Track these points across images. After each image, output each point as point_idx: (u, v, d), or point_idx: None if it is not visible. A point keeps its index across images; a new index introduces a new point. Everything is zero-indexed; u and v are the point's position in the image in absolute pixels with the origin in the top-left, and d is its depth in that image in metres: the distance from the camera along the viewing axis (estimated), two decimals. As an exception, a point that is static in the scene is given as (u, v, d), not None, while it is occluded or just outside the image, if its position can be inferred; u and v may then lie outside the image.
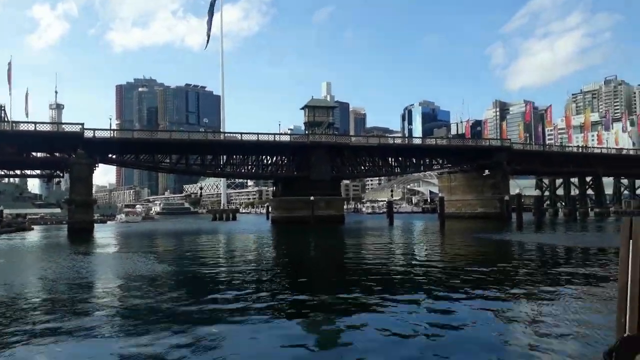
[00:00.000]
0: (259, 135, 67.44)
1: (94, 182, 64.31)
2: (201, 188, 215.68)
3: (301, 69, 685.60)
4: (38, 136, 56.45)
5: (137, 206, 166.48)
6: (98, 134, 60.14)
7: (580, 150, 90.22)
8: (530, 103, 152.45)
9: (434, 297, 14.31)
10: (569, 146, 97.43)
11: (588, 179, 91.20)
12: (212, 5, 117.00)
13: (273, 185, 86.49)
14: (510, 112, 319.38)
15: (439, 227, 53.54)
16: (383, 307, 13.02)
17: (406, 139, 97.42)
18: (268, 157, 72.22)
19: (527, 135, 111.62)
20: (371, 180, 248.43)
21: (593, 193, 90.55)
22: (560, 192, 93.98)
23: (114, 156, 64.52)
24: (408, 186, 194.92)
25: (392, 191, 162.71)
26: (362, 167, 76.71)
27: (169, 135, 69.51)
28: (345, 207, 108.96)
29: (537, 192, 72.86)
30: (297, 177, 69.64)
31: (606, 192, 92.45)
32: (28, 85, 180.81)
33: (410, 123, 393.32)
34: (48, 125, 59.71)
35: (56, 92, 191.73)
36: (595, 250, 27.83)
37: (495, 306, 12.87)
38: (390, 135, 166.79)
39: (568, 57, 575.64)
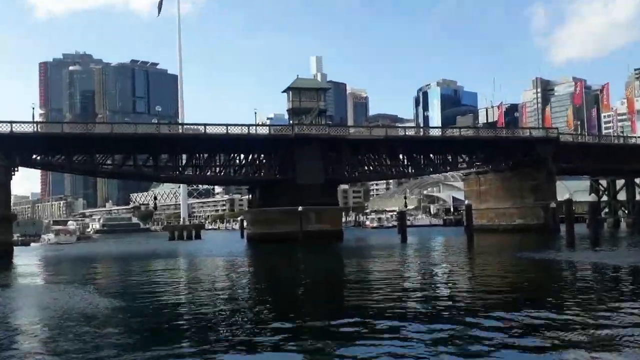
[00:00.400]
0: (229, 127, 67.33)
1: (12, 191, 63.84)
2: (155, 198, 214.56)
3: (284, 39, 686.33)
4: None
5: (70, 222, 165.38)
6: (16, 128, 59.82)
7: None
8: (581, 81, 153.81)
9: (458, 345, 14.31)
10: (632, 137, 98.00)
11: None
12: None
13: (249, 193, 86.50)
14: (555, 94, 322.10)
15: (466, 245, 53.70)
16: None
17: (421, 130, 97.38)
18: (242, 156, 72.09)
19: (578, 122, 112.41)
20: (376, 185, 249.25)
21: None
22: (622, 196, 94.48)
23: (38, 157, 64.14)
24: (424, 191, 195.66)
25: (405, 198, 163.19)
26: (365, 168, 76.76)
27: (110, 128, 69.15)
28: (343, 219, 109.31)
29: (591, 197, 73.03)
30: (279, 181, 69.61)
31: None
32: None
33: (426, 109, 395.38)
34: (-50, 117, 59.26)
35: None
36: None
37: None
38: (401, 126, 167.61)
39: (629, 21, 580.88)
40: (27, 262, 50.90)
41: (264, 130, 73.06)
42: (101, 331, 16.60)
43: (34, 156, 63.46)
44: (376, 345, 13.80)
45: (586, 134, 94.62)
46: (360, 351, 13.28)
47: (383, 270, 34.96)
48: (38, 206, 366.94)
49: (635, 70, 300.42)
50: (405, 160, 78.56)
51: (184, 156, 71.14)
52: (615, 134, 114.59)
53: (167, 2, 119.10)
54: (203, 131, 67.52)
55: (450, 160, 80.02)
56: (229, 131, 67.20)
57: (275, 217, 68.43)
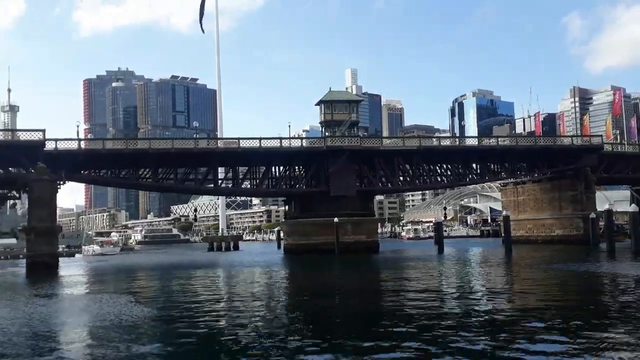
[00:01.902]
0: (262, 141, 67.57)
1: (58, 204, 65.30)
2: (195, 210, 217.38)
3: (319, 53, 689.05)
4: (-12, 147, 57.60)
5: (113, 234, 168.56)
6: (61, 145, 61.25)
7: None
8: (620, 90, 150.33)
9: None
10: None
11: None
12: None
13: (285, 204, 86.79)
14: (594, 103, 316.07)
15: (505, 256, 52.92)
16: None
17: (457, 140, 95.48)
18: (280, 168, 72.41)
19: (617, 132, 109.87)
20: (412, 196, 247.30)
21: None
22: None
23: (82, 172, 65.58)
24: (461, 202, 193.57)
25: (445, 209, 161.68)
26: (400, 179, 76.19)
27: (148, 144, 70.15)
28: (379, 230, 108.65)
29: (633, 208, 71.28)
30: (314, 193, 69.65)
31: None
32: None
33: (461, 119, 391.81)
34: (0, 133, 60.98)
35: (9, 90, 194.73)
36: None
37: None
38: (435, 136, 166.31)
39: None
40: (72, 272, 51.96)
41: (297, 143, 73.07)
42: (138, 340, 16.84)
43: (79, 171, 64.76)
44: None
45: (626, 143, 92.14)
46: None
47: (420, 284, 34.62)
48: (82, 218, 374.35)
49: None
50: (441, 171, 77.62)
51: (223, 169, 71.78)
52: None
53: (207, 18, 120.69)
54: (237, 145, 68.08)
55: (488, 170, 78.50)
56: (262, 144, 67.37)
57: (311, 228, 68.41)
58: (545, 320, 19.04)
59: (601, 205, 71.84)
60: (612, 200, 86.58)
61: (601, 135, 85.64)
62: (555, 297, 25.58)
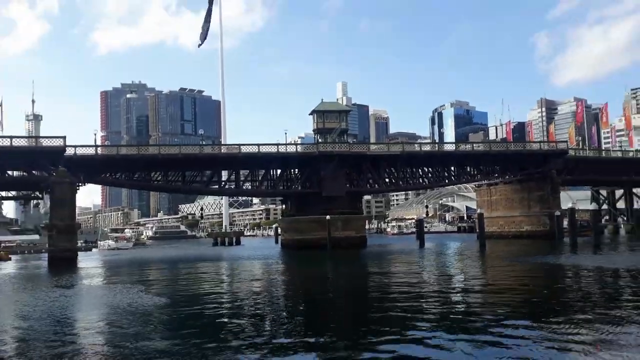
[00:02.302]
0: (260, 147, 67.72)
1: (77, 204, 65.12)
2: (202, 208, 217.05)
3: (313, 68, 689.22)
4: (14, 152, 57.42)
5: (127, 230, 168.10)
6: (79, 150, 61.37)
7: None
8: (582, 101, 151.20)
9: (475, 342, 14.14)
10: (630, 150, 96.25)
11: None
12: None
13: (282, 203, 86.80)
14: (559, 113, 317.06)
15: (479, 250, 53.10)
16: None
17: (436, 145, 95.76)
18: (279, 171, 72.48)
19: (579, 138, 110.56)
20: (396, 195, 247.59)
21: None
22: (621, 205, 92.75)
23: (101, 175, 65.61)
24: (440, 201, 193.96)
25: (427, 207, 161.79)
26: (386, 180, 76.36)
27: (158, 150, 70.09)
28: (367, 227, 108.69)
29: (593, 206, 71.87)
30: (308, 194, 69.74)
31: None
32: (1, 95, 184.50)
33: (441, 127, 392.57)
34: (25, 139, 60.75)
35: (33, 101, 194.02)
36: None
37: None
38: (417, 142, 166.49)
39: (625, 46, 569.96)
40: (89, 265, 51.82)
41: (292, 149, 73.42)
42: (149, 326, 16.85)
43: (96, 174, 64.65)
44: (396, 344, 13.72)
45: (587, 149, 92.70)
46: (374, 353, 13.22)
47: (405, 271, 34.74)
48: (99, 216, 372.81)
49: (632, 90, 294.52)
50: (422, 173, 77.88)
51: (226, 172, 71.83)
52: (614, 149, 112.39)
53: (212, 37, 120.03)
54: (238, 150, 68.18)
55: (464, 173, 78.70)
56: (261, 150, 67.48)
57: (306, 225, 68.41)
58: (512, 306, 19.19)
59: (565, 204, 72.36)
60: (575, 199, 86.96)
61: (566, 141, 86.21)
62: (522, 285, 25.74)
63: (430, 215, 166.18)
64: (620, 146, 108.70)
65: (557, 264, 35.72)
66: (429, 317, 17.39)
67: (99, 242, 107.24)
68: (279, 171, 72.58)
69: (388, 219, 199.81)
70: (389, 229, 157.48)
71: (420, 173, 77.78)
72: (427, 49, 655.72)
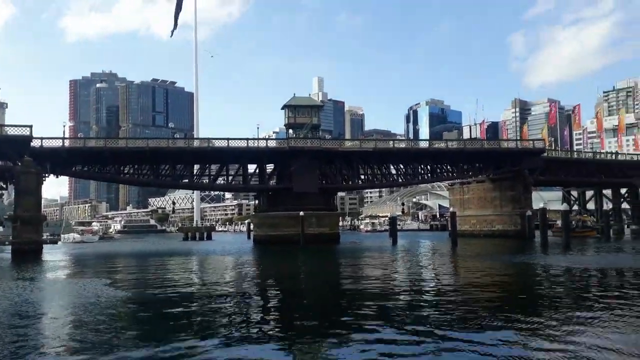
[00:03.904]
0: (229, 141, 67.16)
1: (43, 195, 63.87)
2: (174, 202, 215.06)
3: (289, 62, 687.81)
4: (-24, 141, 56.09)
5: (94, 223, 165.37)
6: (46, 143, 60.36)
7: (613, 157, 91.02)
8: (556, 102, 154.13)
9: (443, 338, 14.31)
10: (600, 152, 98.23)
11: (623, 190, 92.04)
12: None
13: (255, 199, 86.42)
14: (532, 113, 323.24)
15: (451, 248, 53.71)
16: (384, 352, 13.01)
17: (411, 142, 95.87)
18: (253, 166, 72.05)
19: (552, 139, 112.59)
20: (370, 193, 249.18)
21: (630, 207, 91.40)
22: (591, 206, 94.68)
23: (70, 167, 64.56)
24: (414, 199, 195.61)
25: (403, 204, 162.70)
26: (361, 177, 76.40)
27: (125, 143, 69.14)
28: (340, 223, 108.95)
29: (564, 206, 73.25)
30: (280, 190, 69.58)
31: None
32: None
33: (416, 125, 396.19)
34: (-11, 127, 59.36)
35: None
36: (632, 273, 28.11)
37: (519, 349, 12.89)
38: (391, 139, 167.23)
39: (598, 48, 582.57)
40: (54, 258, 50.88)
41: (263, 144, 72.07)
42: (114, 320, 16.68)
43: (62, 165, 63.52)
44: (363, 342, 13.81)
45: (559, 149, 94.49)
46: (341, 350, 13.29)
47: (377, 268, 34.96)
48: (66, 208, 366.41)
49: (604, 92, 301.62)
50: (397, 171, 78.01)
51: (198, 166, 71.09)
52: (586, 151, 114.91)
53: (186, 27, 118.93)
54: (208, 144, 67.60)
55: (441, 170, 78.29)
56: (230, 144, 66.90)
57: (279, 221, 68.27)
58: (480, 304, 19.48)
59: (537, 204, 73.57)
60: (546, 199, 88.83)
61: (543, 140, 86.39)
62: (493, 283, 26.14)
63: (398, 213, 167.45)
64: (592, 148, 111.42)
65: (528, 263, 36.34)
66: (396, 314, 17.55)
67: (62, 235, 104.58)
68: (252, 166, 72.20)
69: (362, 216, 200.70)
70: (362, 226, 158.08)
71: (395, 170, 78.02)
72: (404, 46, 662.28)
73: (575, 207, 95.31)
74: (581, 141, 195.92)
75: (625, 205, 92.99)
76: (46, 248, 65.60)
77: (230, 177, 72.16)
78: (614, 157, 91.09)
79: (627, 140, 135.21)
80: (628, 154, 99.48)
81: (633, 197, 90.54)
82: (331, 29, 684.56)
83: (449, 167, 78.33)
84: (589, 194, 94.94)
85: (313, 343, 13.53)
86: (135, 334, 14.66)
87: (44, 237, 75.50)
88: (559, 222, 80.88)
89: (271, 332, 15.07)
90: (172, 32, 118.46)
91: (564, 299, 20.08)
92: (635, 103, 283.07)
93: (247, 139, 69.02)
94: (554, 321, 15.22)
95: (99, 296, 21.85)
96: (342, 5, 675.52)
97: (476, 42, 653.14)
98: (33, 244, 55.90)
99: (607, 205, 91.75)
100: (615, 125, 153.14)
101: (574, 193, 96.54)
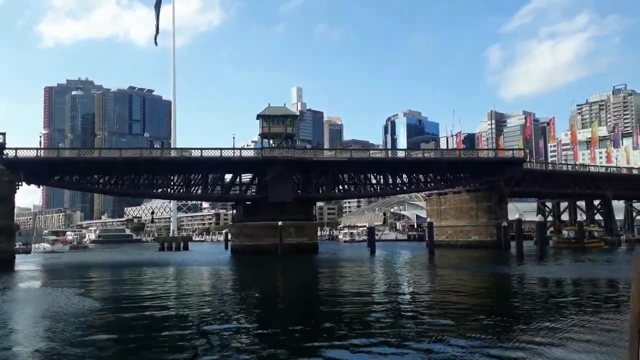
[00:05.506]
0: (203, 151, 66.80)
1: (16, 204, 62.71)
2: (153, 212, 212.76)
3: (268, 72, 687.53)
4: (-53, 148, 55.01)
5: (68, 233, 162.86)
6: (20, 153, 59.96)
7: (586, 169, 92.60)
8: (531, 115, 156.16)
9: (420, 349, 14.43)
10: (574, 164, 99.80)
11: (596, 202, 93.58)
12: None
13: (233, 208, 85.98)
14: (508, 125, 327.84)
15: (428, 258, 54.08)
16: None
17: (389, 152, 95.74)
18: (230, 175, 71.71)
19: (527, 151, 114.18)
20: (349, 202, 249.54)
21: (602, 218, 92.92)
22: (565, 217, 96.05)
23: (44, 176, 63.95)
24: (392, 209, 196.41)
25: (385, 214, 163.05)
26: (339, 187, 76.38)
27: (99, 153, 68.61)
28: (319, 233, 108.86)
29: (539, 217, 74.19)
30: (256, 199, 69.41)
31: (617, 218, 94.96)
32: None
33: (394, 136, 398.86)
34: (-40, 134, 58.29)
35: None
36: (605, 284, 28.63)
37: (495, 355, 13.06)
38: (367, 149, 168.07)
39: (572, 62, 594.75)
40: (27, 268, 49.96)
41: (237, 153, 70.43)
42: (87, 331, 16.51)
43: (36, 174, 62.70)
44: (344, 349, 13.86)
45: (534, 161, 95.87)
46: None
47: (355, 279, 35.03)
48: (39, 217, 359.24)
49: (577, 106, 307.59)
50: (375, 181, 77.83)
51: (174, 176, 70.48)
52: (560, 163, 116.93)
53: (164, 34, 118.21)
54: (180, 154, 67.32)
55: (418, 181, 77.64)
56: (203, 154, 66.47)
57: (257, 231, 68.04)
58: (454, 314, 19.66)
59: (512, 215, 74.50)
60: (521, 210, 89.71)
61: (523, 149, 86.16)
62: (469, 294, 26.39)
63: (378, 223, 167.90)
64: (566, 160, 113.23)
65: (503, 273, 36.78)
66: (373, 325, 17.62)
67: (32, 245, 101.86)
68: (229, 176, 71.87)
69: (340, 226, 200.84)
70: (341, 236, 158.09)
71: (373, 180, 77.93)
72: (382, 58, 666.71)
73: (550, 218, 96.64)
74: (555, 153, 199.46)
75: (598, 217, 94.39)
76: (19, 258, 64.41)
77: (209, 187, 71.72)
78: (586, 169, 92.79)
79: (600, 153, 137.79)
80: (601, 166, 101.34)
81: (605, 208, 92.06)
82: (311, 40, 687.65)
83: (427, 177, 77.70)
84: (564, 205, 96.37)
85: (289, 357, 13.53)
86: (98, 345, 14.50)
87: (17, 246, 74.03)
88: (565, 233, 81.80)
89: (247, 345, 15.02)
90: (155, 39, 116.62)
91: (537, 309, 20.39)
92: (608, 116, 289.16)
93: (221, 149, 67.83)
94: (525, 330, 15.45)
95: (67, 306, 21.66)
96: (321, 17, 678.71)
97: (453, 55, 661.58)
98: (5, 253, 54.76)
99: (581, 217, 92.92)
100: (589, 138, 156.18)
101: (549, 204, 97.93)
